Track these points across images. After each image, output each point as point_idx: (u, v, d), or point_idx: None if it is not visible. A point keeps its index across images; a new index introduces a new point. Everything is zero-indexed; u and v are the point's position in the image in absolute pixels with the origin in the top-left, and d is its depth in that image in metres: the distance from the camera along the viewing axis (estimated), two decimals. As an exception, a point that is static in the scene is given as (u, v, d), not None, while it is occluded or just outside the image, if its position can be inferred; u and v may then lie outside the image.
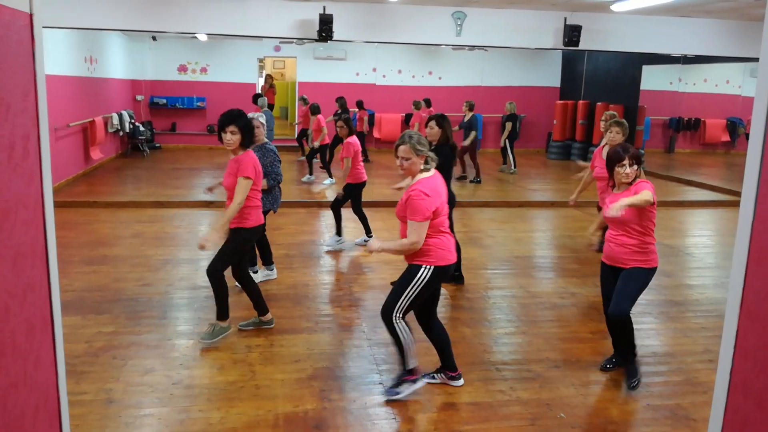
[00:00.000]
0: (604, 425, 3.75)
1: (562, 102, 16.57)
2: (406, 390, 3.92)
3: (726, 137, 15.58)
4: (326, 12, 9.11)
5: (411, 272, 3.76)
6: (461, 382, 4.14)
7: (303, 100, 13.54)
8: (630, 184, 3.98)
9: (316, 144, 11.47)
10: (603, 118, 6.99)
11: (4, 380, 1.62)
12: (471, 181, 12.06)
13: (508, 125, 13.15)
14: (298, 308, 5.45)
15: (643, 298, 4.22)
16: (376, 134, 16.56)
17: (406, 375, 3.92)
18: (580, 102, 16.09)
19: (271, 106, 16.15)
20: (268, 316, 4.98)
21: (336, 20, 9.16)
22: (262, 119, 5.41)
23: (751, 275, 1.41)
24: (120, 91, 14.66)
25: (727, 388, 1.44)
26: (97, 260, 6.69)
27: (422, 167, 3.76)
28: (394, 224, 5.77)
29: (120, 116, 13.84)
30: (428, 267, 3.73)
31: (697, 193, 11.89)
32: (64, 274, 6.16)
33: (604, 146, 6.22)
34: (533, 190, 11.81)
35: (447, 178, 5.85)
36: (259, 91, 16.83)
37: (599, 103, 15.23)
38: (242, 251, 4.75)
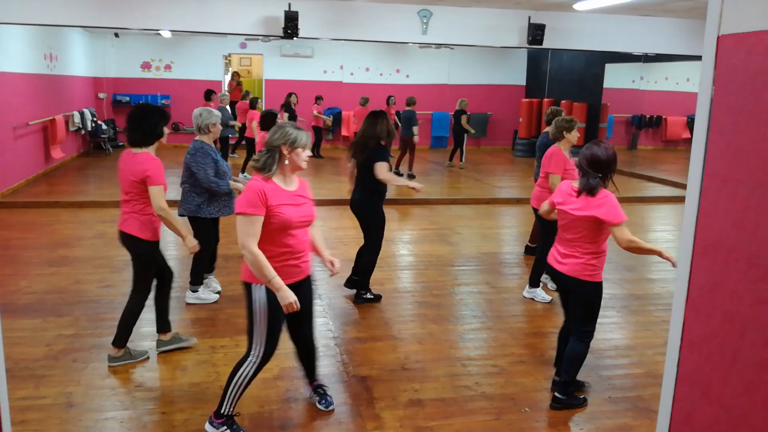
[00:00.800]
0: (567, 418, 3.82)
1: (527, 100, 16.76)
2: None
3: (687, 134, 15.92)
4: (291, 9, 9.05)
5: (311, 286, 3.61)
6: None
7: (246, 94, 13.81)
8: None
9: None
10: (556, 113, 6.33)
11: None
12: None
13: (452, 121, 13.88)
14: (264, 308, 5.40)
15: (607, 292, 4.26)
16: (344, 132, 16.54)
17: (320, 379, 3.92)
18: (545, 100, 16.29)
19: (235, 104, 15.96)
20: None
21: (301, 17, 9.10)
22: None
23: (696, 268, 1.45)
24: (81, 88, 14.35)
25: (674, 379, 1.48)
26: (58, 261, 6.55)
27: None
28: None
29: (82, 114, 13.56)
30: None
31: (658, 189, 12.15)
32: (24, 276, 6.02)
33: (559, 146, 5.52)
34: (500, 187, 11.93)
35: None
36: (226, 89, 16.65)
37: (564, 101, 15.45)
38: None
